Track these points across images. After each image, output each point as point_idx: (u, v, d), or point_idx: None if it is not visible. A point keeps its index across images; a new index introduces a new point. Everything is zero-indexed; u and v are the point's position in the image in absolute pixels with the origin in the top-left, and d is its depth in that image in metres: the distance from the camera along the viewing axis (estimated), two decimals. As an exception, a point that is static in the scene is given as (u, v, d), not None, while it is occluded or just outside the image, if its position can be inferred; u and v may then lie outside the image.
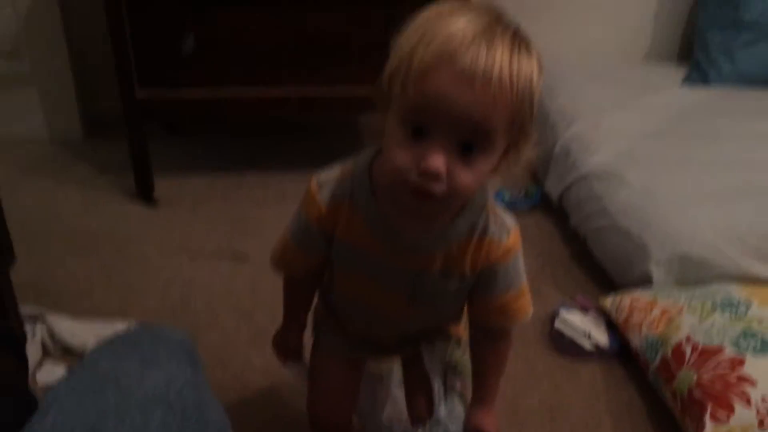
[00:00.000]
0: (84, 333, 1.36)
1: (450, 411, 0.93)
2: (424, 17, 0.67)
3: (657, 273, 1.48)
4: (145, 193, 1.86)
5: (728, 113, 1.96)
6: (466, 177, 0.67)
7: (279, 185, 1.94)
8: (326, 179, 0.82)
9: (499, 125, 0.65)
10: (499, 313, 0.87)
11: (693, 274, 1.48)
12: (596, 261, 1.65)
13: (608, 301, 1.47)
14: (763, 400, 1.15)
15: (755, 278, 1.47)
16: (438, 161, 0.65)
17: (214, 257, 1.65)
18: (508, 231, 0.81)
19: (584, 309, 1.49)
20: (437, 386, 0.95)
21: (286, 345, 1.03)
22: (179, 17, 1.66)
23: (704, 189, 1.59)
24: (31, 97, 2.09)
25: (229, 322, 1.46)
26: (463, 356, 0.99)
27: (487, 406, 0.93)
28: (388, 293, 0.86)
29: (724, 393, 1.17)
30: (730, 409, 1.15)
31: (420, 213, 0.76)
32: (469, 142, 0.66)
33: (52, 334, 1.35)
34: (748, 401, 1.15)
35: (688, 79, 2.18)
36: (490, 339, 0.91)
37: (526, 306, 0.88)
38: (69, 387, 0.67)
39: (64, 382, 0.68)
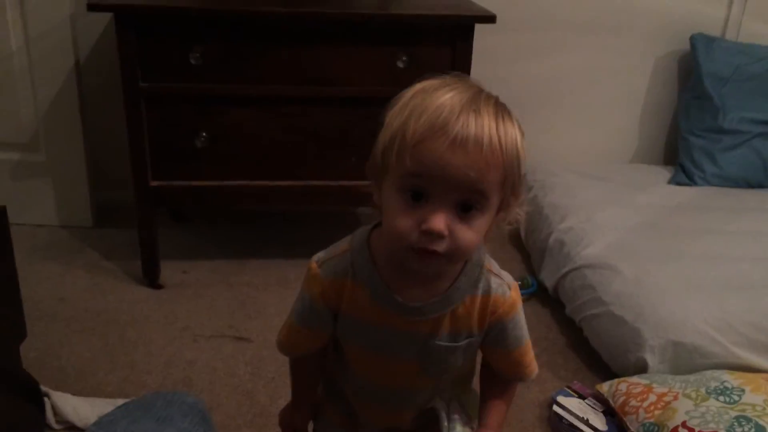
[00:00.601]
0: (87, 410, 1.37)
1: None
2: (411, 93, 0.74)
3: (652, 360, 1.51)
4: (150, 278, 1.90)
5: (714, 210, 2.05)
6: (466, 234, 0.72)
7: (280, 271, 1.99)
8: (326, 257, 0.85)
9: (493, 185, 0.71)
10: (513, 366, 0.89)
11: (687, 361, 1.51)
12: (592, 348, 1.68)
13: (605, 387, 1.50)
14: (760, 484, 1.16)
15: (747, 366, 1.51)
16: (440, 222, 0.70)
17: (216, 339, 1.68)
18: (509, 286, 0.85)
19: (582, 395, 1.51)
20: (443, 420, 0.94)
21: (293, 423, 1.02)
22: (191, 115, 1.77)
23: (694, 280, 1.65)
24: (46, 186, 2.17)
25: (231, 403, 1.47)
26: (469, 393, 0.99)
27: (492, 431, 0.92)
28: (398, 364, 0.87)
29: (722, 476, 1.18)
30: (729, 493, 1.16)
31: (425, 273, 0.79)
32: (467, 202, 0.71)
33: (55, 411, 1.36)
34: (746, 485, 1.16)
35: (675, 180, 2.28)
36: (501, 382, 0.93)
37: (534, 361, 0.90)
38: (89, 441, 0.69)
39: (84, 438, 0.71)
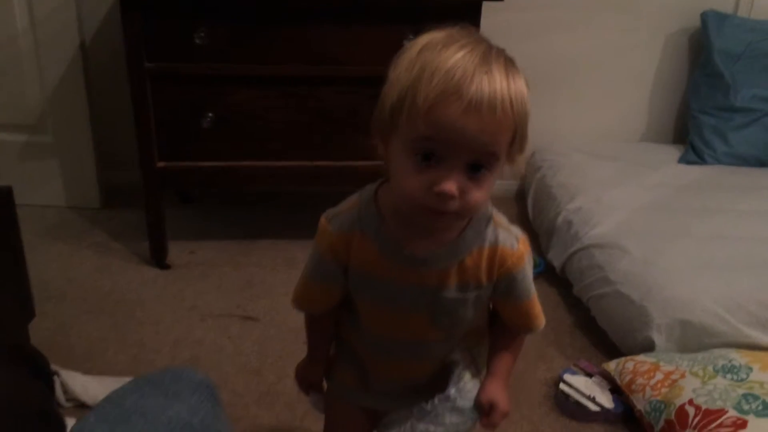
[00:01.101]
0: (96, 388, 1.38)
1: (461, 388, 0.92)
2: (418, 49, 0.73)
3: (659, 338, 1.51)
4: (158, 258, 1.91)
5: (724, 190, 2.04)
6: (476, 194, 0.73)
7: (287, 251, 2.00)
8: (335, 213, 0.87)
9: (504, 145, 0.72)
10: (522, 317, 0.90)
11: (694, 339, 1.51)
12: (599, 327, 1.68)
13: (612, 365, 1.50)
14: (767, 461, 1.16)
15: (755, 345, 1.50)
16: (451, 185, 0.71)
17: (224, 318, 1.69)
18: (517, 238, 0.85)
19: (588, 373, 1.51)
20: (454, 371, 0.94)
21: (307, 377, 1.03)
22: (197, 95, 1.77)
23: (703, 259, 1.64)
24: (53, 167, 2.18)
25: (238, 381, 1.48)
26: (482, 346, 0.99)
27: (501, 380, 0.93)
28: (409, 317, 0.88)
29: (729, 454, 1.18)
30: (735, 470, 1.16)
31: (434, 229, 0.80)
32: (477, 162, 0.72)
33: (65, 390, 1.37)
34: (753, 462, 1.16)
35: (685, 159, 2.26)
36: (512, 333, 0.94)
37: (541, 313, 0.92)
38: (98, 417, 0.70)
39: (93, 413, 0.71)
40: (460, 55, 0.69)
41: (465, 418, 0.92)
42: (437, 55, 0.70)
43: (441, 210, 0.72)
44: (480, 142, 0.70)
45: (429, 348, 0.93)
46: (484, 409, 0.91)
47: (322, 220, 0.87)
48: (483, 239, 0.83)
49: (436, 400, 0.93)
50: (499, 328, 0.94)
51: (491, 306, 0.94)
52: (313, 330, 0.99)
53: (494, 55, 0.71)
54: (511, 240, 0.84)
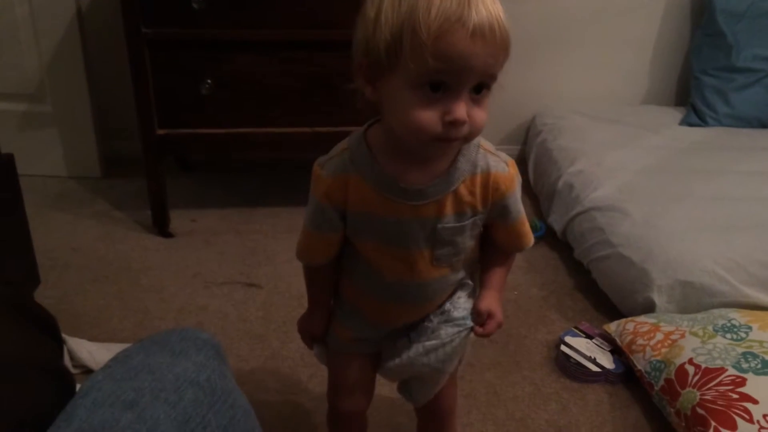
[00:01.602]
0: (102, 354, 1.40)
1: (454, 301, 0.96)
2: None
3: (659, 300, 1.52)
4: (160, 226, 1.91)
5: (725, 151, 2.03)
6: (481, 115, 0.75)
7: (289, 218, 2.00)
8: (326, 159, 0.88)
9: (502, 64, 0.74)
10: (515, 237, 0.93)
11: (694, 300, 1.52)
12: (600, 290, 1.69)
13: (612, 327, 1.51)
14: (764, 417, 1.18)
15: (755, 305, 1.51)
16: (463, 111, 0.73)
17: (227, 285, 1.70)
18: (506, 162, 0.87)
19: (589, 335, 1.53)
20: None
21: (310, 329, 1.04)
22: (196, 62, 1.75)
23: (703, 220, 1.64)
24: (53, 137, 2.18)
25: (243, 346, 1.49)
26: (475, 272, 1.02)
27: (496, 292, 0.96)
28: (412, 254, 0.89)
29: (727, 410, 1.20)
30: (733, 426, 1.18)
31: (434, 158, 0.83)
32: (480, 85, 0.74)
33: (72, 356, 1.39)
34: (750, 418, 1.18)
35: (686, 121, 2.26)
36: (502, 254, 0.97)
37: (530, 231, 0.95)
38: (106, 374, 0.71)
39: (100, 371, 0.72)
40: None
41: (460, 328, 0.96)
42: None
43: (453, 137, 0.75)
44: (486, 65, 0.72)
45: (433, 288, 0.94)
46: (481, 318, 0.95)
47: (315, 167, 0.88)
48: (475, 166, 0.85)
49: (432, 317, 0.96)
50: (490, 249, 0.96)
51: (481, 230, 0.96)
52: (313, 282, 1.01)
53: None
54: (502, 164, 0.87)
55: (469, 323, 0.96)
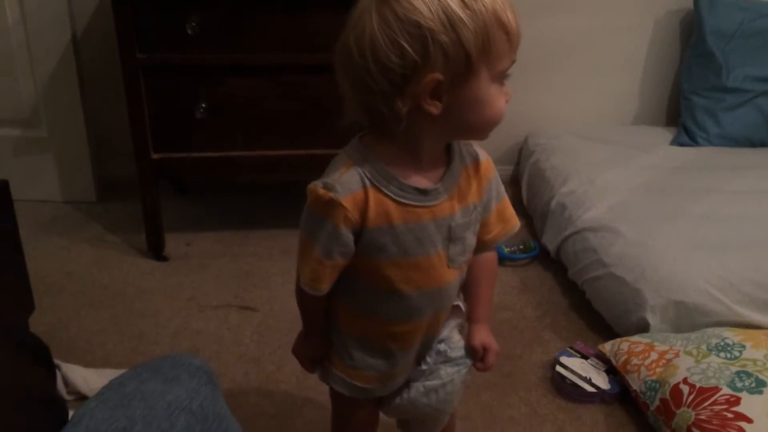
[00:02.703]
0: (96, 381, 1.39)
1: (448, 338, 0.96)
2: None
3: (653, 319, 1.53)
4: (155, 250, 1.92)
5: (716, 170, 2.05)
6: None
7: (284, 240, 2.01)
8: (332, 180, 0.83)
9: None
10: (503, 220, 0.95)
11: (688, 320, 1.52)
12: (595, 310, 1.69)
13: (607, 347, 1.51)
14: (760, 436, 1.18)
15: (748, 324, 1.51)
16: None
17: (222, 308, 1.70)
18: (480, 148, 0.92)
19: (584, 355, 1.53)
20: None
21: (309, 353, 1.02)
22: (190, 86, 1.77)
23: (695, 240, 1.65)
24: (48, 162, 2.18)
25: (238, 370, 1.49)
26: None
27: (486, 323, 0.98)
28: (430, 261, 0.88)
29: (722, 430, 1.20)
30: (729, 445, 1.18)
31: (440, 154, 0.87)
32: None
33: (66, 383, 1.39)
34: (746, 438, 1.18)
35: (677, 141, 2.27)
36: (482, 256, 0.98)
37: (515, 213, 0.98)
38: (98, 402, 0.71)
39: (94, 399, 0.73)
40: None
41: (459, 367, 0.96)
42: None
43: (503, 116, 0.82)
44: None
45: (447, 294, 0.94)
46: (478, 354, 0.97)
47: (320, 192, 0.82)
48: (464, 159, 0.89)
49: (428, 359, 0.96)
50: (471, 268, 0.97)
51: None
52: (314, 309, 0.97)
53: None
54: (482, 152, 0.92)
55: (468, 361, 0.96)
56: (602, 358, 1.52)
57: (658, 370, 1.38)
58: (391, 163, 0.84)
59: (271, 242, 2.01)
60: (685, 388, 1.30)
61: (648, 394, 1.36)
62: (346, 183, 0.82)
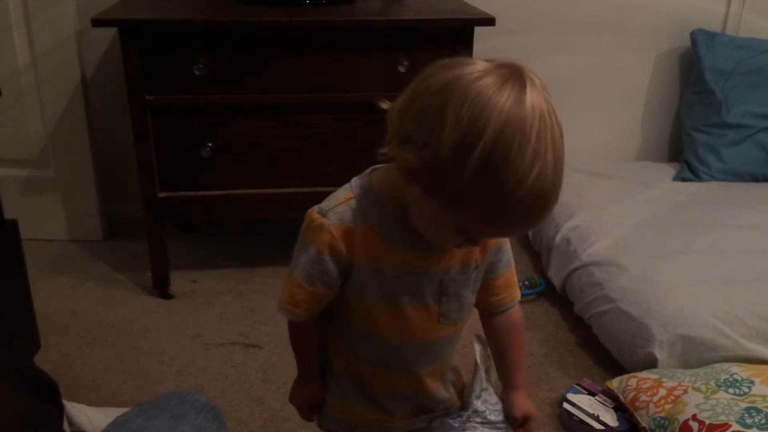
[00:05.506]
0: (101, 419, 1.38)
1: (486, 400, 0.94)
2: (492, 140, 0.66)
3: (661, 355, 1.52)
4: (161, 288, 1.92)
5: (719, 205, 2.05)
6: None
7: (290, 278, 2.01)
8: (328, 207, 0.82)
9: None
10: (508, 288, 0.93)
11: (696, 354, 1.52)
12: (601, 345, 1.68)
13: (615, 383, 1.50)
14: (772, 474, 1.16)
15: (756, 359, 1.50)
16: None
17: (227, 346, 1.70)
18: None
19: (592, 392, 1.51)
20: (473, 381, 0.95)
21: (307, 398, 1.00)
22: (197, 126, 1.79)
23: (701, 274, 1.65)
24: (55, 201, 2.20)
25: (243, 409, 1.48)
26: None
27: (524, 390, 0.96)
28: (419, 312, 0.86)
29: (734, 467, 1.18)
30: (741, 483, 1.16)
31: None
32: None
33: (70, 422, 1.37)
34: (758, 475, 1.16)
35: (680, 176, 2.28)
36: (503, 319, 0.96)
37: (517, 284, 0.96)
38: (104, 440, 0.71)
39: (100, 437, 0.72)
40: (537, 170, 0.69)
41: (498, 430, 0.95)
42: (507, 98, 0.69)
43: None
44: None
45: (438, 349, 0.92)
46: (518, 423, 0.95)
47: (315, 215, 0.82)
48: None
49: (464, 416, 0.93)
50: (494, 328, 0.96)
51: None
52: (302, 344, 0.95)
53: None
54: None
55: (506, 426, 0.95)
56: (610, 395, 1.50)
57: (667, 406, 1.36)
58: (391, 204, 0.81)
59: (276, 279, 2.01)
60: (695, 425, 1.29)
61: (657, 431, 1.34)
62: (340, 213, 0.81)
